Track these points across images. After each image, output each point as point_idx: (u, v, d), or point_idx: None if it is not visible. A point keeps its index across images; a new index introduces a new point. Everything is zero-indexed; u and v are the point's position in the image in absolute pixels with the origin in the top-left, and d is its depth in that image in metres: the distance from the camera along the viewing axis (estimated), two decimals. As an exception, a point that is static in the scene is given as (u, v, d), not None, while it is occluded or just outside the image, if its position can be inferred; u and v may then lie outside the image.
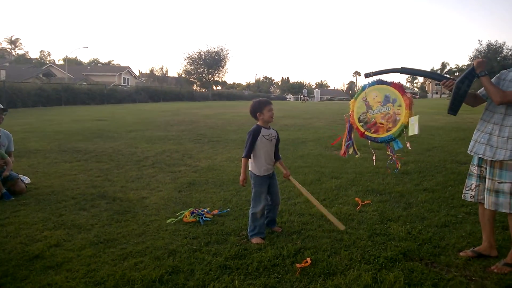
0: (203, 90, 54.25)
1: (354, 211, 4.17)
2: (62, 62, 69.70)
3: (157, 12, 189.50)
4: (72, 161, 7.07)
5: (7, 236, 3.61)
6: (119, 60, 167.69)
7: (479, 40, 62.48)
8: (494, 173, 2.91)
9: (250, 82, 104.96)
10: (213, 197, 4.77)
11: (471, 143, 3.11)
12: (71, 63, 70.33)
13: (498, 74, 3.02)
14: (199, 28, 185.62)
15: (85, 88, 31.90)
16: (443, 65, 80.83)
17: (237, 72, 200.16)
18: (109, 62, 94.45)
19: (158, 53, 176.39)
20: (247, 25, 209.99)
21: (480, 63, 2.90)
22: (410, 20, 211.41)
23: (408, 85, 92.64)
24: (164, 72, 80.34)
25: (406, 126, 3.16)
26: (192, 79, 56.50)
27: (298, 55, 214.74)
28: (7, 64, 58.96)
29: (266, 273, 2.84)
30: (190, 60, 53.10)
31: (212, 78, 54.43)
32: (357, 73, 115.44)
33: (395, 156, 3.35)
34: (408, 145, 3.30)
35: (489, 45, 47.19)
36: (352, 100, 3.37)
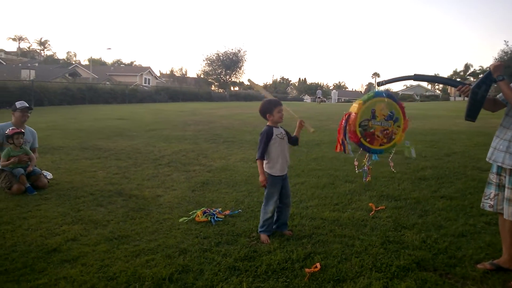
0: (221, 90, 54.54)
1: (367, 216, 4.12)
2: (87, 63, 71.22)
3: (177, 15, 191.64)
4: (93, 158, 7.23)
5: (28, 229, 3.74)
6: (141, 61, 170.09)
7: (505, 41, 60.68)
8: None
9: (267, 83, 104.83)
10: (225, 198, 4.80)
11: (490, 150, 3.02)
12: (96, 64, 71.73)
13: None
14: (218, 30, 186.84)
15: (107, 88, 32.52)
16: (466, 66, 79.06)
17: (255, 73, 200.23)
18: (132, 62, 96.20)
19: (178, 54, 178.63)
20: (265, 26, 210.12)
21: (496, 67, 2.81)
22: (431, 20, 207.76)
23: (429, 87, 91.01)
24: (184, 72, 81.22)
25: (394, 146, 3.33)
26: (210, 79, 56.89)
27: (316, 56, 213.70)
28: (37, 64, 60.74)
29: (274, 277, 2.85)
30: (208, 61, 53.49)
31: (230, 79, 54.67)
32: (376, 74, 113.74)
33: (370, 167, 3.39)
34: (392, 166, 3.50)
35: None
36: (360, 102, 3.22)
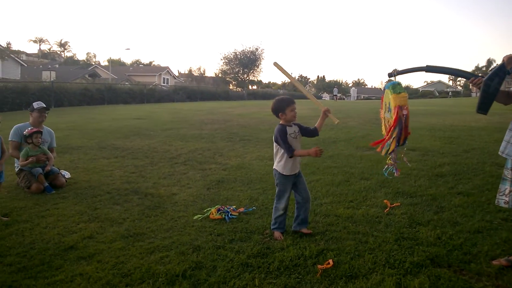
0: (238, 89, 54.68)
1: (382, 213, 4.09)
2: (106, 63, 72.42)
3: (196, 14, 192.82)
4: (110, 157, 7.35)
5: (46, 227, 3.84)
6: (159, 60, 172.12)
7: None
8: None
9: (285, 81, 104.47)
10: (240, 195, 4.82)
11: (503, 144, 2.94)
12: (115, 64, 72.95)
13: None
14: (236, 28, 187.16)
15: (126, 88, 33.00)
16: (489, 61, 77.36)
17: (273, 72, 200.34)
18: (150, 63, 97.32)
19: (197, 54, 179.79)
20: (283, 24, 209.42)
21: (510, 58, 2.73)
22: (453, 16, 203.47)
23: (450, 83, 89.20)
24: (202, 72, 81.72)
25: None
26: (228, 78, 57.09)
27: (335, 53, 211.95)
28: (57, 66, 62.15)
29: (287, 273, 2.86)
30: (226, 60, 53.70)
31: (248, 78, 54.75)
32: (396, 75, 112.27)
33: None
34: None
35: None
36: (405, 94, 2.95)
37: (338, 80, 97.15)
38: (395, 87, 3.02)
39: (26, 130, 5.33)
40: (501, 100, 2.96)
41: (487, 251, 3.17)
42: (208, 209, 4.23)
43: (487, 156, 6.91)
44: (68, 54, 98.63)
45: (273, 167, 3.60)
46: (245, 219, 3.96)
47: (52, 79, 32.46)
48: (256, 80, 63.08)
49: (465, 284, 2.68)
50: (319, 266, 2.89)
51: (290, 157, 3.40)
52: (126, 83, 41.63)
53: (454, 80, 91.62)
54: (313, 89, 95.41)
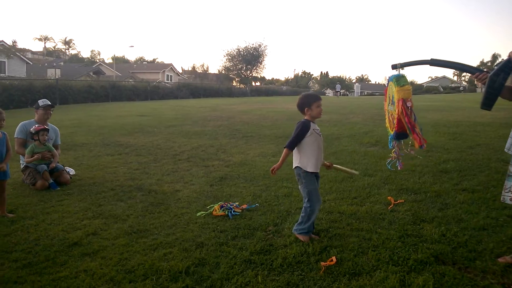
0: (242, 86, 54.62)
1: (385, 210, 4.07)
2: (110, 61, 72.55)
3: (199, 11, 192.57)
4: (114, 154, 7.37)
5: (51, 224, 3.86)
6: (163, 58, 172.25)
7: None
8: None
9: (289, 78, 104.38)
10: (243, 192, 4.82)
11: (508, 141, 2.92)
12: (119, 62, 73.07)
13: None
14: (239, 25, 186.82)
15: (130, 85, 33.01)
16: (494, 56, 76.60)
17: (276, 68, 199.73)
18: (154, 60, 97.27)
19: (200, 51, 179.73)
20: (285, 20, 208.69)
21: None
22: (457, 10, 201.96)
23: (455, 78, 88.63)
24: (205, 69, 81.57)
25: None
26: (231, 75, 57.05)
27: (338, 49, 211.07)
28: (62, 63, 62.36)
29: (289, 270, 2.85)
30: (229, 57, 53.66)
31: (251, 74, 54.68)
32: (400, 68, 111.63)
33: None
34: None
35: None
36: (409, 87, 2.91)
37: (341, 76, 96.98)
38: (399, 80, 2.98)
39: (33, 127, 5.35)
40: (506, 96, 2.93)
41: (492, 249, 3.14)
42: (211, 205, 4.23)
43: (493, 152, 6.86)
44: (73, 52, 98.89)
45: (295, 166, 3.44)
46: (248, 216, 3.96)
47: (57, 77, 32.57)
48: (259, 76, 63.08)
49: (470, 282, 2.66)
50: (322, 263, 2.88)
51: (285, 147, 3.37)
52: (130, 80, 41.64)
53: (459, 76, 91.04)
54: (316, 85, 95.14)
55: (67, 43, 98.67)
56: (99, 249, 3.26)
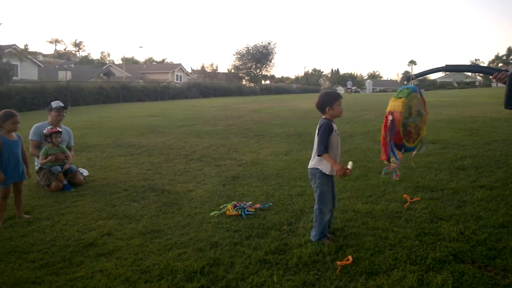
0: (251, 84, 54.61)
1: (401, 208, 4.01)
2: (120, 62, 73.13)
3: (207, 10, 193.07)
4: (126, 155, 7.41)
5: (66, 224, 3.90)
6: (172, 58, 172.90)
7: None
8: None
9: (299, 75, 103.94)
10: (256, 191, 4.80)
11: None
12: (129, 62, 73.59)
13: None
14: (248, 23, 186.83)
15: (140, 86, 33.23)
16: (510, 50, 75.41)
17: (286, 66, 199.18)
18: (163, 60, 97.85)
19: (209, 50, 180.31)
20: (295, 17, 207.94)
21: None
22: (470, 2, 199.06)
23: (470, 73, 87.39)
24: (215, 68, 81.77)
25: (421, 142, 3.21)
26: (241, 74, 57.08)
27: (348, 45, 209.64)
28: (72, 65, 63.05)
29: (305, 269, 2.83)
30: (238, 56, 53.69)
31: (260, 73, 54.63)
32: (412, 62, 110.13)
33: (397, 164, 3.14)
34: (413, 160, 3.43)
35: None
36: (403, 99, 2.97)
37: (352, 73, 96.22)
38: (400, 91, 3.04)
39: (46, 129, 5.40)
40: None
41: (512, 246, 3.06)
42: (225, 205, 4.22)
43: (510, 148, 6.71)
44: (83, 54, 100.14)
45: (312, 166, 3.33)
46: (261, 215, 3.94)
47: (68, 79, 32.92)
48: (269, 75, 62.96)
49: (490, 280, 2.61)
50: (338, 263, 2.85)
51: (318, 155, 3.21)
52: (140, 81, 41.95)
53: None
54: (327, 83, 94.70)
55: (77, 45, 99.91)
56: (114, 250, 3.28)
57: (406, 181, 4.93)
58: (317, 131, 3.28)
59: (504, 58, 73.28)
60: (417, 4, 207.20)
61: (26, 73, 36.03)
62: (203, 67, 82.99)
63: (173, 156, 7.15)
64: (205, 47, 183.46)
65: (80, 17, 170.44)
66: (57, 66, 56.60)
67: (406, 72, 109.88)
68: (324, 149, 3.18)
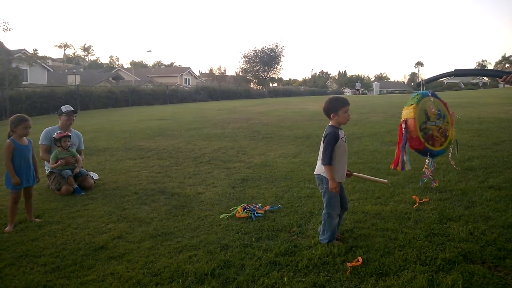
0: (259, 87, 54.66)
1: (411, 209, 4.01)
2: (129, 66, 73.68)
3: (215, 14, 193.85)
4: (136, 158, 7.47)
5: (77, 228, 3.94)
6: (180, 61, 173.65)
7: None
8: None
9: (306, 78, 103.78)
10: (265, 193, 4.82)
11: None
12: (137, 66, 74.07)
13: None
14: (255, 26, 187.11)
15: (149, 90, 33.45)
16: (516, 50, 74.71)
17: (293, 68, 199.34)
18: (172, 63, 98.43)
19: (217, 53, 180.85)
20: (302, 20, 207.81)
21: None
22: (477, 3, 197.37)
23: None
24: (223, 71, 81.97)
25: (450, 143, 3.26)
26: (248, 77, 57.15)
27: (356, 47, 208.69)
28: (81, 69, 63.64)
29: (315, 271, 2.84)
30: (246, 59, 53.72)
31: (268, 75, 54.66)
32: (419, 64, 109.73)
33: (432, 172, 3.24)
34: (452, 162, 3.46)
35: None
36: (414, 106, 3.04)
37: (360, 75, 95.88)
38: (411, 99, 3.12)
39: (56, 133, 5.47)
40: None
41: (522, 247, 3.05)
42: (234, 207, 4.24)
43: (519, 148, 6.67)
44: (92, 58, 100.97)
45: (318, 173, 3.32)
46: (271, 217, 3.96)
47: (77, 83, 33.25)
48: (276, 77, 63.04)
49: (501, 280, 2.60)
50: (348, 264, 2.86)
51: (323, 165, 3.19)
52: (149, 85, 42.21)
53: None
54: (334, 85, 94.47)
55: (86, 49, 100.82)
56: (125, 253, 3.31)
57: (415, 182, 4.92)
58: (323, 138, 3.27)
59: (511, 58, 72.47)
60: (423, 6, 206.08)
61: (36, 77, 36.44)
62: (211, 70, 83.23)
63: (182, 159, 7.20)
64: (213, 51, 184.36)
65: (89, 22, 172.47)
66: (66, 71, 57.17)
67: (413, 74, 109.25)
68: (328, 160, 3.17)
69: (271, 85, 61.88)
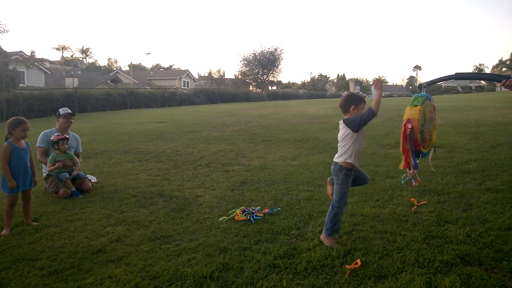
0: (258, 90, 54.70)
1: (409, 212, 4.02)
2: (127, 68, 73.70)
3: (214, 17, 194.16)
4: (134, 161, 7.46)
5: (75, 231, 3.93)
6: (179, 64, 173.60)
7: None
8: None
9: (305, 81, 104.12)
10: (264, 196, 4.82)
11: None
12: (136, 69, 74.10)
13: None
14: (254, 29, 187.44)
15: (147, 92, 33.44)
16: (513, 54, 75.05)
17: (292, 71, 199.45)
18: (170, 66, 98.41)
19: (216, 56, 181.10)
20: (301, 23, 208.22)
21: None
22: (474, 8, 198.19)
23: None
24: (222, 74, 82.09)
25: (432, 146, 3.35)
26: (248, 80, 57.23)
27: (354, 51, 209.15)
28: (79, 72, 63.57)
29: (314, 274, 2.84)
30: (245, 62, 53.84)
31: (267, 79, 54.75)
32: (417, 67, 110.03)
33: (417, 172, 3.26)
34: (431, 164, 3.55)
35: None
36: (419, 107, 3.07)
37: (358, 78, 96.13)
38: (415, 99, 3.13)
39: (53, 136, 5.46)
40: None
41: (519, 249, 3.06)
42: (233, 210, 4.25)
43: (516, 151, 6.70)
44: (90, 61, 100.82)
45: (337, 160, 3.38)
46: (270, 220, 3.96)
47: (75, 86, 33.21)
48: (275, 80, 63.09)
49: (498, 282, 2.62)
50: (347, 266, 2.87)
51: (355, 131, 3.25)
52: (147, 88, 42.22)
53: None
54: (333, 88, 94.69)
55: (84, 52, 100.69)
56: (123, 256, 3.30)
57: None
58: (344, 123, 3.31)
59: (508, 62, 72.74)
60: (422, 10, 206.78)
61: (33, 80, 36.40)
62: (210, 73, 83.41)
63: (181, 162, 7.20)
64: (212, 53, 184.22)
65: (87, 24, 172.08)
66: (64, 73, 57.14)
67: (411, 77, 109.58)
68: (358, 127, 3.23)
69: (270, 88, 61.95)
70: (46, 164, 5.48)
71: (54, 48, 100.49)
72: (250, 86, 59.07)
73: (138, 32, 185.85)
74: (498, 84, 3.01)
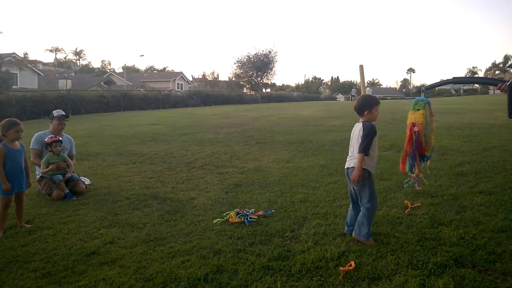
0: (252, 93, 54.76)
1: (402, 214, 4.04)
2: (121, 70, 73.42)
3: (208, 19, 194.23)
4: (128, 163, 7.43)
5: (68, 233, 3.90)
6: (173, 66, 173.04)
7: None
8: None
9: (299, 83, 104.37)
10: (258, 198, 4.83)
11: None
12: (129, 71, 73.81)
13: None
14: (248, 31, 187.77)
15: (141, 94, 33.36)
16: (506, 58, 75.61)
17: (286, 74, 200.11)
18: (164, 68, 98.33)
19: (210, 58, 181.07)
20: (295, 26, 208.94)
21: None
22: (467, 11, 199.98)
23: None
24: (216, 76, 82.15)
25: (433, 149, 3.39)
26: (242, 82, 57.27)
27: (348, 53, 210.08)
28: (73, 74, 63.25)
29: (308, 276, 2.85)
30: (239, 64, 53.83)
31: (261, 81, 54.81)
32: (411, 70, 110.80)
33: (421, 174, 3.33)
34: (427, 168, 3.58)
35: None
36: (422, 111, 3.16)
37: (352, 81, 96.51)
38: (416, 104, 3.20)
39: (47, 137, 5.43)
40: None
41: (512, 250, 3.09)
42: (227, 212, 4.24)
43: (508, 154, 6.77)
44: (83, 62, 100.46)
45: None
46: (264, 222, 3.96)
47: (68, 87, 33.05)
48: (270, 83, 63.27)
49: (491, 284, 2.65)
50: (341, 268, 2.88)
51: (361, 153, 3.33)
52: (141, 90, 42.11)
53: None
54: (327, 91, 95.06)
55: (78, 53, 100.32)
56: (117, 258, 3.29)
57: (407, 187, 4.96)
58: (358, 132, 3.40)
59: (501, 65, 73.47)
60: (416, 13, 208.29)
61: (26, 81, 36.16)
62: (204, 75, 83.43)
63: (175, 164, 7.18)
64: (206, 56, 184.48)
65: (80, 26, 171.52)
66: (57, 75, 56.82)
67: (405, 80, 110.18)
68: (365, 149, 3.30)
69: (264, 90, 62.08)
70: (39, 166, 5.44)
71: (48, 49, 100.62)
72: (244, 88, 59.17)
73: (132, 34, 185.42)
74: (496, 88, 3.05)
